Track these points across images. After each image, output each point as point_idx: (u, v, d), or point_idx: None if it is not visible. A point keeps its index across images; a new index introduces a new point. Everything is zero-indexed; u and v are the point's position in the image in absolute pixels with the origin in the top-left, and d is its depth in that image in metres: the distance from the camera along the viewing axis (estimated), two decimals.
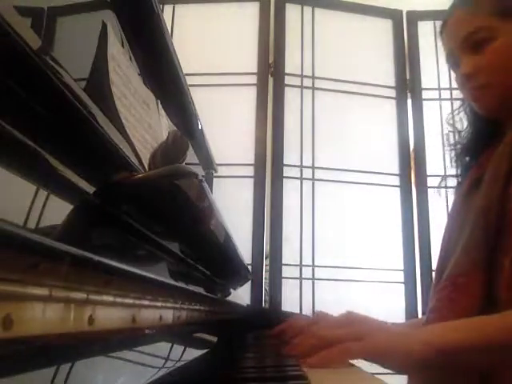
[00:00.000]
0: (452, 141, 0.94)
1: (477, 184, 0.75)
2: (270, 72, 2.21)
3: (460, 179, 0.89)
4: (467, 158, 0.88)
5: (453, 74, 0.87)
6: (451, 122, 0.94)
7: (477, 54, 0.76)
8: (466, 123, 0.91)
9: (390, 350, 0.59)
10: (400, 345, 0.60)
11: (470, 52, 0.77)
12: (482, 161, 0.79)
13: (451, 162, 0.93)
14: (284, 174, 2.11)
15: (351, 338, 0.61)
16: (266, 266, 2.03)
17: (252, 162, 2.11)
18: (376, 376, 0.54)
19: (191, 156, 1.08)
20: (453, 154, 0.93)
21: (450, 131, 0.94)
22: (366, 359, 0.60)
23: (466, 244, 0.72)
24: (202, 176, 0.50)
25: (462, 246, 0.72)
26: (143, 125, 0.60)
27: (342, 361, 0.58)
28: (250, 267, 1.90)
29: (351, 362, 0.61)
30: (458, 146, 0.91)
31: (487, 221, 0.69)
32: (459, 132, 0.92)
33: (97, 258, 0.26)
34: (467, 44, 0.76)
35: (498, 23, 0.74)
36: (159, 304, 0.40)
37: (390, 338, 0.63)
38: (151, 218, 0.40)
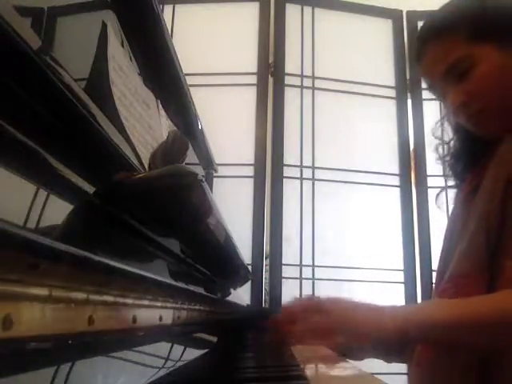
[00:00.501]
0: (440, 152, 0.94)
1: (476, 190, 0.76)
2: (270, 72, 2.21)
3: (458, 187, 0.89)
4: (460, 167, 0.88)
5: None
6: (437, 133, 0.94)
7: (462, 82, 0.74)
8: (450, 133, 0.90)
9: (369, 327, 0.63)
10: (380, 320, 0.64)
11: (455, 82, 0.75)
12: (479, 169, 0.79)
13: (445, 172, 0.94)
14: (284, 174, 2.11)
15: (330, 325, 0.64)
16: (265, 266, 2.03)
17: (252, 162, 2.11)
18: (376, 376, 0.54)
19: (191, 156, 1.08)
20: (444, 165, 0.93)
21: (438, 144, 0.94)
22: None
23: (467, 246, 0.72)
24: (202, 176, 0.50)
25: (463, 249, 0.73)
26: (143, 125, 0.60)
27: (332, 348, 0.62)
28: (250, 267, 1.90)
29: (351, 361, 0.61)
30: (448, 158, 0.91)
31: (488, 224, 0.69)
32: (446, 143, 0.91)
33: (97, 257, 0.26)
34: (450, 76, 0.75)
35: (475, 49, 0.73)
36: (159, 304, 0.40)
37: (368, 317, 0.65)
38: (151, 217, 0.40)
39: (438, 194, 0.97)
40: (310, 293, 2.04)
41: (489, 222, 0.69)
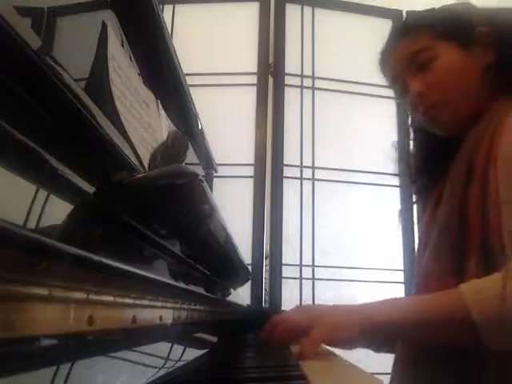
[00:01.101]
0: (400, 167, 0.97)
1: (440, 198, 0.78)
2: (270, 72, 2.21)
3: (424, 199, 0.91)
4: (424, 180, 0.90)
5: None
6: (396, 146, 0.97)
7: (423, 73, 0.77)
8: (412, 147, 0.94)
9: (339, 325, 0.65)
10: (347, 319, 0.66)
11: (416, 72, 0.78)
12: (445, 178, 0.80)
13: (410, 187, 0.97)
14: (284, 174, 2.12)
15: (306, 322, 0.66)
16: (265, 265, 2.03)
17: (252, 162, 2.11)
18: (376, 376, 0.54)
19: (191, 156, 1.08)
20: (407, 179, 0.96)
21: (397, 158, 0.97)
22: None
23: (433, 249, 0.74)
24: (202, 176, 0.50)
25: (430, 252, 0.75)
26: (143, 125, 0.60)
27: (315, 349, 0.63)
28: (249, 267, 1.90)
29: (351, 361, 0.62)
30: (411, 171, 0.93)
31: (451, 226, 0.71)
32: (407, 157, 0.94)
33: (97, 258, 0.26)
34: (413, 65, 0.78)
35: (438, 44, 0.77)
36: (159, 304, 0.40)
37: (338, 316, 0.67)
38: (151, 217, 0.40)
39: (399, 211, 0.99)
40: (310, 293, 2.04)
41: (451, 224, 0.71)
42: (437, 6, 0.84)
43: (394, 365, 0.77)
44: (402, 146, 0.98)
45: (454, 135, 0.80)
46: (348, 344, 0.70)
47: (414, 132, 0.93)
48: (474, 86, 0.76)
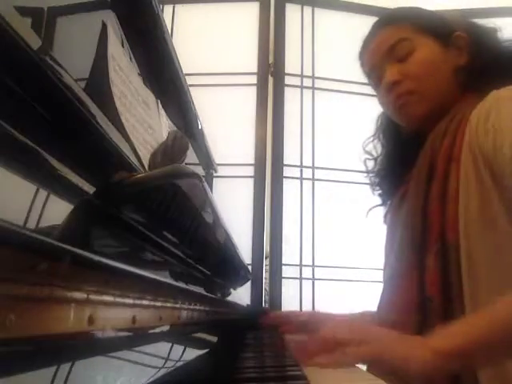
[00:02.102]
0: (368, 166, 0.98)
1: (404, 197, 0.80)
2: (270, 72, 2.21)
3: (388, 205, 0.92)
4: (388, 184, 0.92)
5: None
6: (367, 148, 0.98)
7: (400, 64, 0.79)
8: (379, 150, 0.95)
9: (397, 356, 0.55)
10: (409, 352, 0.55)
11: (393, 63, 0.80)
12: (408, 178, 0.81)
13: (371, 189, 0.98)
14: (284, 174, 2.11)
15: (357, 342, 0.56)
16: (265, 265, 2.03)
17: (252, 162, 2.11)
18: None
19: (191, 156, 1.08)
20: (370, 180, 0.97)
21: (366, 159, 0.98)
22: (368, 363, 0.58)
23: (397, 246, 0.75)
24: (202, 176, 0.50)
25: (394, 249, 0.76)
26: (143, 125, 0.60)
27: (353, 364, 0.57)
28: (250, 267, 1.90)
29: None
30: (374, 174, 0.95)
31: (413, 223, 0.72)
32: (375, 159, 0.96)
33: (97, 257, 0.26)
34: (391, 56, 0.80)
35: (417, 37, 0.79)
36: (159, 304, 0.40)
37: (397, 345, 0.57)
38: (151, 217, 0.40)
39: (385, 215, 0.98)
40: (310, 293, 2.04)
41: (413, 220, 0.72)
42: (435, 6, 0.87)
43: None
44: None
45: (417, 129, 0.82)
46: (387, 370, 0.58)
47: (381, 131, 0.94)
48: (445, 82, 0.78)
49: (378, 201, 0.97)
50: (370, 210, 1.01)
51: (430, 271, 0.67)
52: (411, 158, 0.81)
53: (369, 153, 0.97)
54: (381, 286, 0.83)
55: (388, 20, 0.84)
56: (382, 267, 0.86)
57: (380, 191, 0.94)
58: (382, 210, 0.96)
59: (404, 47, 0.79)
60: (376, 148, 0.95)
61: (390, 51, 0.80)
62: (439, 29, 0.80)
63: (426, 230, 0.70)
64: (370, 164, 0.97)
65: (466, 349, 0.53)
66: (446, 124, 0.75)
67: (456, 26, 0.80)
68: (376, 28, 0.86)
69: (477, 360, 0.55)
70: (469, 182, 0.67)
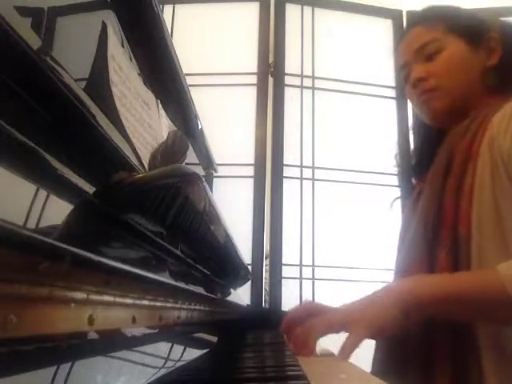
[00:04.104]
0: (397, 160, 1.02)
1: (422, 191, 0.81)
2: (270, 72, 2.21)
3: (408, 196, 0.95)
4: (413, 179, 0.95)
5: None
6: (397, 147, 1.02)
7: (428, 63, 0.82)
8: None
9: (378, 315, 0.63)
10: (384, 312, 0.63)
11: (422, 62, 0.83)
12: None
13: (400, 182, 1.01)
14: (284, 174, 2.11)
15: (342, 318, 0.65)
16: (265, 265, 2.03)
17: (252, 162, 2.11)
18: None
19: (191, 156, 1.08)
20: (401, 173, 1.01)
21: (397, 153, 1.02)
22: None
23: (410, 241, 0.77)
24: (202, 176, 0.50)
25: (407, 244, 0.78)
26: (143, 125, 0.60)
27: (356, 345, 0.61)
28: (250, 267, 1.90)
29: (350, 361, 0.62)
30: (403, 168, 0.98)
31: (427, 217, 0.74)
32: (407, 153, 0.99)
33: (97, 258, 0.26)
34: (420, 55, 0.83)
35: (448, 37, 0.81)
36: (159, 304, 0.40)
37: (372, 313, 0.64)
38: (151, 217, 0.40)
39: (392, 202, 1.03)
40: (310, 293, 2.04)
41: (428, 215, 0.73)
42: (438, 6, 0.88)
43: (374, 353, 0.78)
44: (401, 145, 1.02)
45: (439, 126, 0.84)
46: (391, 331, 0.65)
47: (414, 126, 0.99)
48: (471, 83, 0.80)
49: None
50: (395, 200, 1.06)
51: (440, 264, 0.68)
52: (433, 153, 0.83)
53: (401, 147, 1.03)
54: (381, 286, 0.83)
55: (421, 18, 0.86)
56: (395, 261, 0.86)
57: (410, 183, 0.97)
58: (382, 209, 0.98)
59: (433, 48, 0.81)
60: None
61: (419, 50, 0.83)
62: (471, 30, 0.81)
63: (439, 224, 0.71)
64: (400, 158, 1.01)
65: (440, 300, 0.61)
66: (467, 123, 0.76)
67: (489, 26, 0.81)
68: (410, 26, 0.88)
69: (446, 312, 0.64)
70: (484, 179, 0.68)
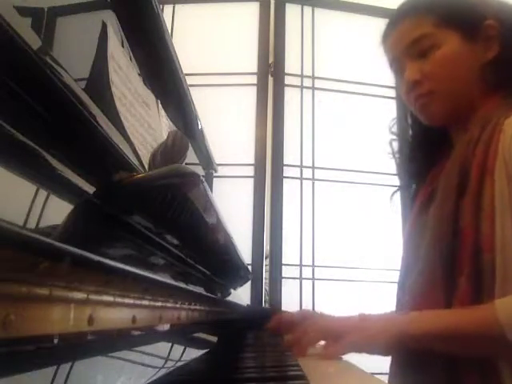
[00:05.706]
0: (393, 148, 0.94)
1: (432, 197, 0.75)
2: (270, 72, 2.21)
3: (411, 190, 0.90)
4: (413, 167, 0.88)
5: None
6: (393, 129, 0.95)
7: (421, 60, 0.75)
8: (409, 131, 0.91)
9: (373, 336, 0.65)
10: (377, 333, 0.66)
11: (415, 58, 0.76)
12: (435, 173, 0.78)
13: (398, 171, 0.96)
14: (284, 174, 2.12)
15: (339, 328, 0.68)
16: (265, 265, 2.03)
17: (252, 162, 2.11)
18: (376, 376, 0.54)
19: (191, 156, 1.08)
20: (396, 162, 0.93)
21: (392, 139, 0.94)
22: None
23: (423, 264, 0.71)
24: (202, 176, 0.50)
25: (419, 267, 0.72)
26: (143, 125, 0.60)
27: (340, 354, 0.64)
28: (250, 267, 1.90)
29: (351, 361, 0.62)
30: (400, 155, 0.91)
31: (443, 240, 0.68)
32: (403, 140, 0.92)
33: (97, 258, 0.26)
34: (413, 51, 0.76)
35: (441, 31, 0.74)
36: (159, 304, 0.40)
37: (367, 331, 0.67)
38: (151, 218, 0.40)
39: (392, 194, 0.98)
40: (310, 293, 2.04)
41: (442, 239, 0.68)
42: None
43: (390, 366, 0.77)
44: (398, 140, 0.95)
45: (440, 126, 0.79)
46: (374, 353, 0.68)
47: (410, 113, 0.89)
48: (469, 81, 0.74)
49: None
50: (394, 193, 1.00)
51: (461, 291, 0.64)
52: (438, 146, 0.79)
53: (395, 134, 0.93)
54: (381, 286, 0.83)
55: (411, 10, 0.78)
56: (398, 282, 0.83)
57: (407, 173, 0.91)
58: (384, 208, 0.95)
59: (425, 44, 0.75)
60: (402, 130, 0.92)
61: (411, 46, 0.76)
62: (466, 19, 0.74)
63: (458, 248, 0.66)
64: (396, 145, 0.94)
65: (426, 336, 0.62)
66: (478, 131, 0.70)
67: (486, 12, 0.74)
68: (398, 18, 0.79)
69: (433, 347, 0.63)
70: (503, 198, 0.64)
